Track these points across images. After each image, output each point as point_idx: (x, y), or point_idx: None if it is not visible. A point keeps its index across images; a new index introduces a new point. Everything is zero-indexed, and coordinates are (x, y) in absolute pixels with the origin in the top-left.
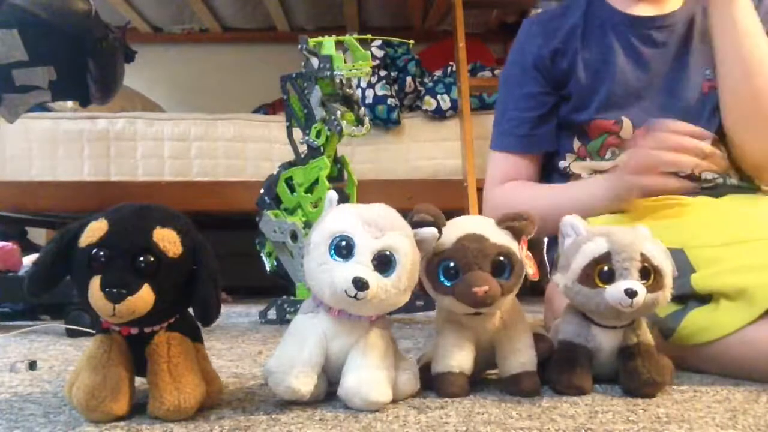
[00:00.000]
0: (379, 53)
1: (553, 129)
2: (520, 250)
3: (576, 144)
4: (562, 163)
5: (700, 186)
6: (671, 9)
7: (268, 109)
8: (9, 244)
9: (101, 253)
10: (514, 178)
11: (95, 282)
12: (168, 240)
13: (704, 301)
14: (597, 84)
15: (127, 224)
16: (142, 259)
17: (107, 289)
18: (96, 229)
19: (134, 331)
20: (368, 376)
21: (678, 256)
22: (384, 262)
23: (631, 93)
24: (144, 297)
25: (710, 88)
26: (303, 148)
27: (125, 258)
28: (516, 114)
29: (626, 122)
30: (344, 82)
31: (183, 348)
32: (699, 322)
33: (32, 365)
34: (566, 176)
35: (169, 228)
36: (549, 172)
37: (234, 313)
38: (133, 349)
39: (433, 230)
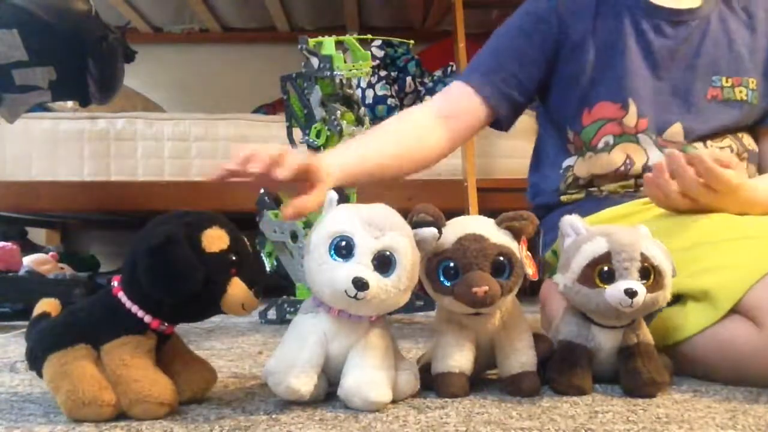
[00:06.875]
0: (379, 53)
1: (515, 114)
2: (520, 250)
3: (570, 133)
4: (566, 162)
5: None
6: (686, 6)
7: (268, 109)
8: (9, 244)
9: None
10: (447, 109)
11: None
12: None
13: (676, 302)
14: (605, 67)
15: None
16: None
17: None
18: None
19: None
20: (368, 376)
21: None
22: (384, 262)
23: (638, 81)
24: None
25: (713, 96)
26: (303, 148)
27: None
28: (493, 61)
29: (632, 107)
30: (344, 82)
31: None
32: (667, 322)
33: None
34: (564, 173)
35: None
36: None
37: None
38: None
39: (433, 230)
